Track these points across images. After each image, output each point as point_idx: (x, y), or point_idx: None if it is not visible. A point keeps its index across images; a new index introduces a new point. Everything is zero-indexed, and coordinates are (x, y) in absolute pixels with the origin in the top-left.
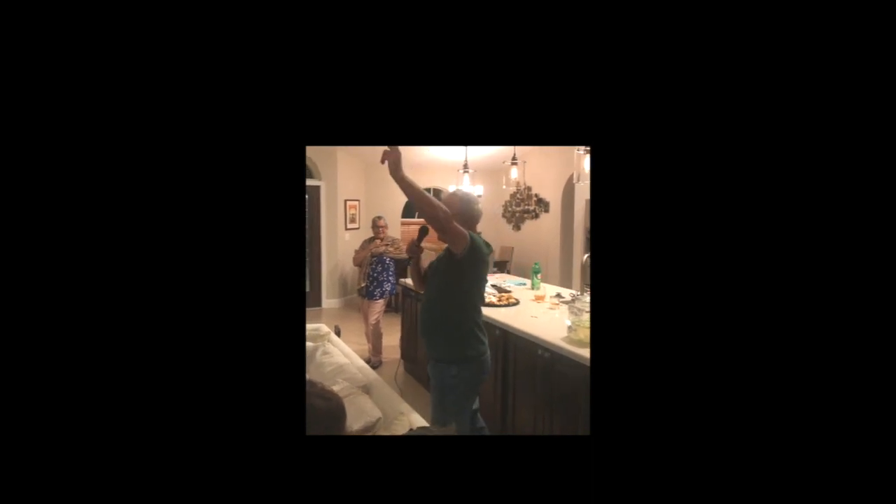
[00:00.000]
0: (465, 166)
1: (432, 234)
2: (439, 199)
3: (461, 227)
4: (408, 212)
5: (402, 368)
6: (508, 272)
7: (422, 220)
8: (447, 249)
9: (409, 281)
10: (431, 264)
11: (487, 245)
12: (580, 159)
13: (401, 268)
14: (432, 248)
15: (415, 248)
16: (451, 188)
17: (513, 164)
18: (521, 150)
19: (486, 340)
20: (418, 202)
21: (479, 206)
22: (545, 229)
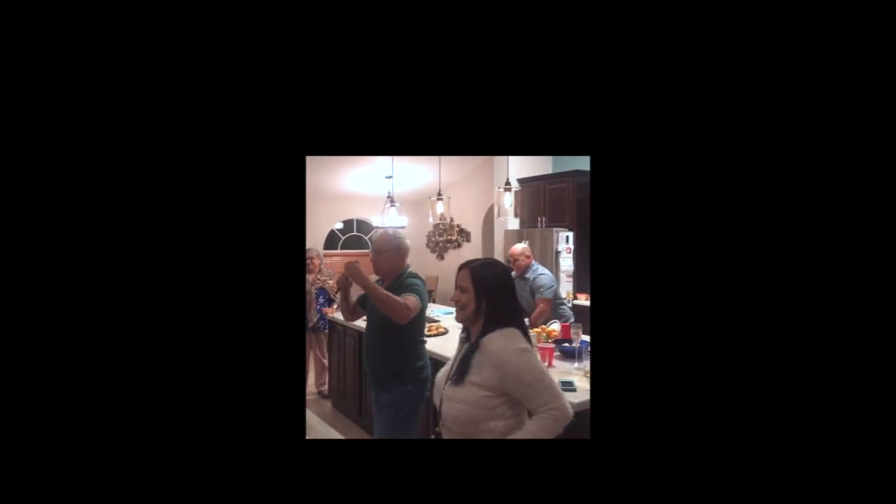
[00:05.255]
0: (391, 199)
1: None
2: (370, 238)
3: (411, 306)
4: (330, 243)
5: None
6: (434, 301)
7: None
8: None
9: (338, 314)
10: (361, 297)
11: (421, 280)
12: (500, 196)
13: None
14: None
15: (345, 280)
16: (373, 219)
17: (438, 199)
18: (445, 186)
19: (426, 358)
20: (381, 303)
21: (407, 240)
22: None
